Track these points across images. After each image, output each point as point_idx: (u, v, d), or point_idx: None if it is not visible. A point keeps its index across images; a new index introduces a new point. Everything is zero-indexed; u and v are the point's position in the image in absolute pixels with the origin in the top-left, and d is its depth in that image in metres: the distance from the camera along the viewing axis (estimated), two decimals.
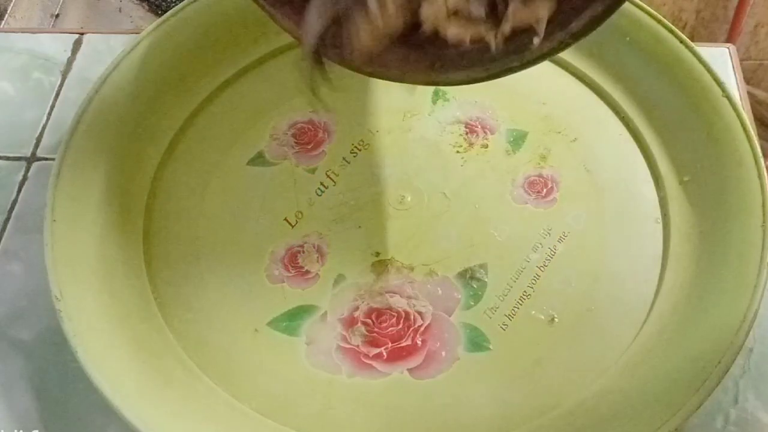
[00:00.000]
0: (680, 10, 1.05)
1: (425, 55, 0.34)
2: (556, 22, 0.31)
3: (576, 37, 0.31)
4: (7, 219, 0.51)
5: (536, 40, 0.31)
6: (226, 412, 0.42)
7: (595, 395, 0.42)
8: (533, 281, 0.47)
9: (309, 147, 0.53)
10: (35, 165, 0.54)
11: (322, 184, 0.51)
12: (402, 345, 0.45)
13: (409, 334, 0.45)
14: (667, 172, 0.50)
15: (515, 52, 0.32)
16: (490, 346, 0.45)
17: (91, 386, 0.40)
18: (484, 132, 0.53)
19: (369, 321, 0.46)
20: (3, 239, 0.51)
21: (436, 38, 0.32)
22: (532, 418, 0.41)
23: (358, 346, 0.44)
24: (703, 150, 0.48)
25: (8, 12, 0.89)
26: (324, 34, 0.33)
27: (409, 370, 0.44)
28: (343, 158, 0.52)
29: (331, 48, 0.33)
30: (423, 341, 0.45)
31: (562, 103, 0.54)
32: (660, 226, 0.48)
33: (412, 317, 0.46)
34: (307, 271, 0.47)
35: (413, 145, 0.53)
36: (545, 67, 0.55)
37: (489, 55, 0.32)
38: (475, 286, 0.47)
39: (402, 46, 0.33)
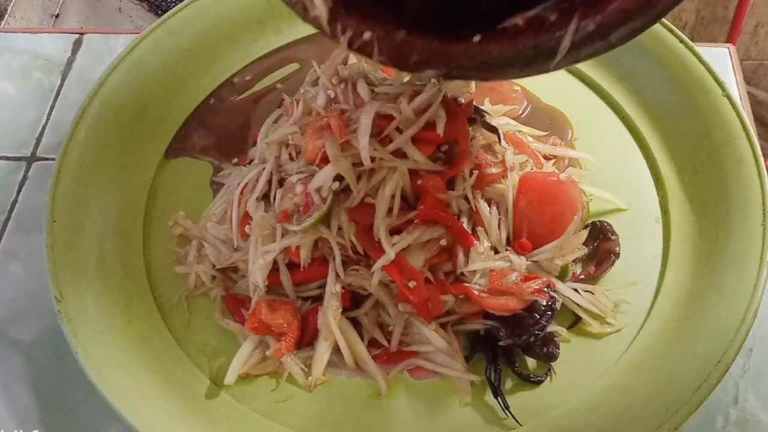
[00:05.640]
0: (680, 10, 1.05)
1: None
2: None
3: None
4: (7, 219, 0.51)
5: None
6: (226, 412, 0.42)
7: (595, 395, 0.42)
8: None
9: None
10: (35, 165, 0.54)
11: None
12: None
13: None
14: (668, 171, 0.50)
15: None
16: None
17: (91, 386, 0.40)
18: None
19: None
20: (3, 239, 0.51)
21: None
22: (532, 417, 0.41)
23: None
24: (703, 149, 0.48)
25: (8, 12, 0.89)
26: None
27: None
28: None
29: None
30: None
31: (562, 103, 0.54)
32: (660, 226, 0.48)
33: None
34: None
35: None
36: None
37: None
38: None
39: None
